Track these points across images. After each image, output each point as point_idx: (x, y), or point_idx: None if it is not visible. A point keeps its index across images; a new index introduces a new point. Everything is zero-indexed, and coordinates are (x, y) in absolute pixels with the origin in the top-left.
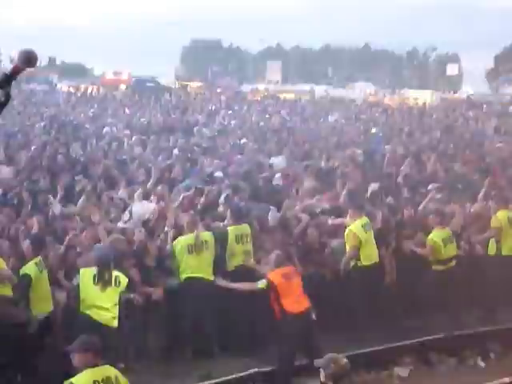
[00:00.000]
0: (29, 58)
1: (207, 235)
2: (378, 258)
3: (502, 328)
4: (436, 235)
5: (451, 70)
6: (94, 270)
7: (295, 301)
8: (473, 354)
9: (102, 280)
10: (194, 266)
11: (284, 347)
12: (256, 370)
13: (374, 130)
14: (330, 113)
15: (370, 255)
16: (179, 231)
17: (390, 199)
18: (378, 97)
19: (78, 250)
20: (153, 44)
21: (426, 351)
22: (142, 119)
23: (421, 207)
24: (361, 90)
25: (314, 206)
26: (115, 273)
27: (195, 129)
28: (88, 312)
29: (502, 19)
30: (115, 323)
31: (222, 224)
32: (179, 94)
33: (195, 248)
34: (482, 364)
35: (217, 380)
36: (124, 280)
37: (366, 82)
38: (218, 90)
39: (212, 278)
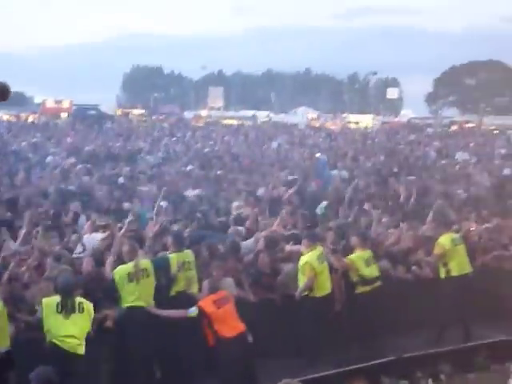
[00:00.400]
0: (1, 91)
1: (146, 263)
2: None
3: (453, 348)
4: (356, 256)
5: (391, 93)
6: (56, 298)
7: (229, 326)
8: (424, 376)
9: (66, 308)
10: (135, 295)
11: (223, 373)
12: None
13: (318, 155)
14: (274, 138)
15: (324, 286)
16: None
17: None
18: (320, 121)
19: (26, 281)
20: (92, 71)
21: (377, 374)
22: (87, 147)
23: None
24: (303, 115)
25: (275, 232)
26: (78, 299)
27: (139, 156)
28: (54, 341)
29: (439, 43)
30: (81, 350)
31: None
32: (121, 121)
33: (135, 276)
34: None
35: None
36: (88, 305)
37: (307, 107)
38: (161, 117)
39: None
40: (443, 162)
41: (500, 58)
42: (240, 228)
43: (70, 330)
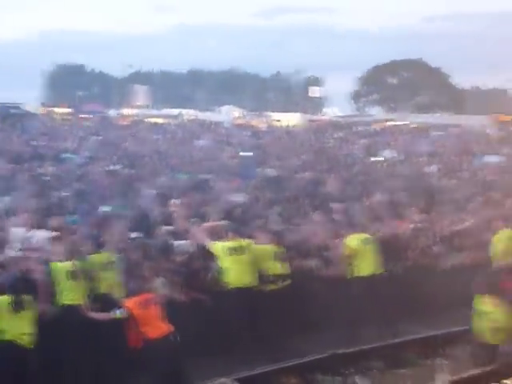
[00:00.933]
0: None
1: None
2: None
3: (384, 345)
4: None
5: (313, 92)
6: (7, 297)
7: (155, 327)
8: (357, 372)
9: (16, 305)
10: (72, 293)
11: (150, 374)
12: None
13: (243, 153)
14: (200, 136)
15: (241, 279)
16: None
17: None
18: (245, 120)
19: None
20: (13, 69)
21: (312, 371)
22: (9, 147)
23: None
24: (228, 114)
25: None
26: (26, 297)
27: (64, 156)
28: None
29: (361, 43)
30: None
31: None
32: (45, 120)
33: (74, 274)
34: (367, 382)
35: None
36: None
37: (232, 106)
38: (85, 116)
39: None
40: (372, 159)
41: (421, 58)
42: (169, 227)
43: (21, 327)
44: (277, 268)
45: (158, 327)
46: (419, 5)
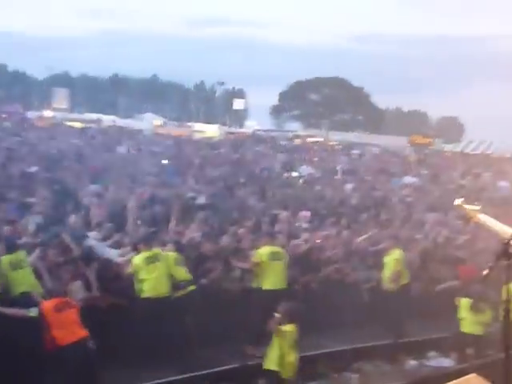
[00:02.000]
0: None
1: None
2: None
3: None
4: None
5: (237, 104)
6: None
7: (68, 331)
8: None
9: None
10: None
11: (59, 379)
12: None
13: (165, 162)
14: (122, 143)
15: (155, 288)
16: None
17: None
18: (166, 128)
19: None
20: None
21: (221, 380)
22: None
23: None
24: (148, 121)
25: None
26: None
27: None
28: None
29: (286, 58)
30: None
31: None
32: None
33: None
34: None
35: None
36: None
37: (153, 114)
38: (3, 116)
39: None
40: (286, 174)
41: (344, 76)
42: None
43: None
44: (183, 274)
45: (72, 332)
46: (346, 24)
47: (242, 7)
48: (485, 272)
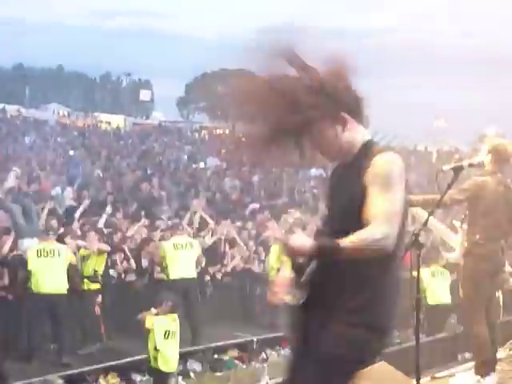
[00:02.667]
0: None
1: None
2: None
3: (202, 348)
4: None
5: (144, 95)
6: None
7: None
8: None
9: None
10: None
11: None
12: None
13: (71, 153)
14: (26, 133)
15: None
16: None
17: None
18: (71, 119)
19: None
20: None
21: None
22: None
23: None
24: (54, 112)
25: None
26: None
27: None
28: None
29: (193, 50)
30: None
31: None
32: None
33: None
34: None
35: None
36: None
37: (58, 104)
38: None
39: None
40: (194, 166)
41: (251, 68)
42: None
43: None
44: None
45: None
46: (250, 16)
47: None
48: None
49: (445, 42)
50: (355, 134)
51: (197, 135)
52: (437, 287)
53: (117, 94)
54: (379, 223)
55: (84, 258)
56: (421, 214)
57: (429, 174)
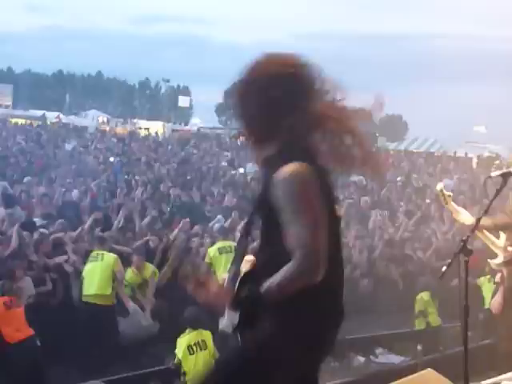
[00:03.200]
0: None
1: None
2: None
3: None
4: None
5: (183, 102)
6: None
7: (16, 329)
8: None
9: None
10: None
11: (9, 376)
12: None
13: (112, 159)
14: (67, 140)
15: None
16: None
17: None
18: (110, 125)
19: None
20: None
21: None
22: None
23: None
24: (93, 118)
25: None
26: None
27: None
28: None
29: (232, 56)
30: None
31: None
32: None
33: None
34: None
35: None
36: None
37: (98, 110)
38: None
39: None
40: (233, 172)
41: None
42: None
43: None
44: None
45: (19, 330)
46: (288, 22)
47: (190, 5)
48: (443, 268)
49: (484, 47)
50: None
51: (236, 141)
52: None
53: (156, 100)
54: (298, 259)
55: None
56: (467, 219)
57: (469, 180)
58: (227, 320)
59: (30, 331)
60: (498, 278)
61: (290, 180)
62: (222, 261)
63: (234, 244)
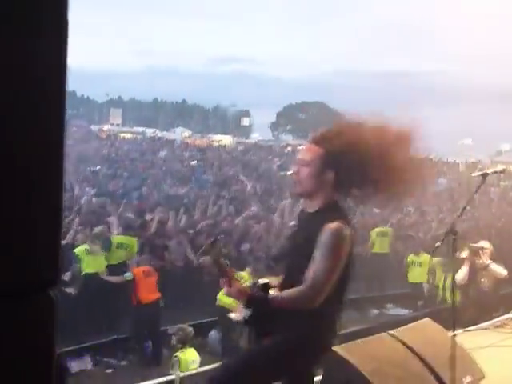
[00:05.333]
0: None
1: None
2: None
3: None
4: None
5: (245, 121)
6: None
7: (149, 293)
8: None
9: None
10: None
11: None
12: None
13: (192, 163)
14: (160, 149)
15: None
16: None
17: None
18: (192, 139)
19: None
20: None
21: None
22: None
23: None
24: (180, 133)
25: None
26: None
27: None
28: None
29: (281, 87)
30: None
31: None
32: None
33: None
34: None
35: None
36: None
37: (183, 128)
38: (74, 129)
39: None
40: (282, 173)
41: (324, 101)
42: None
43: None
44: None
45: (152, 293)
46: (320, 61)
47: (249, 48)
48: (436, 244)
49: (468, 78)
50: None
51: (284, 150)
52: None
53: (225, 120)
54: (309, 287)
55: None
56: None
57: (458, 180)
58: (240, 314)
59: (158, 294)
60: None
61: (335, 234)
62: None
63: None
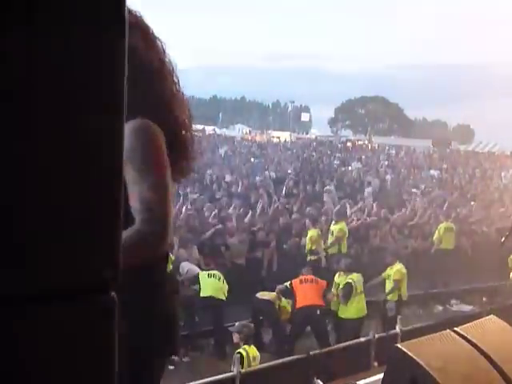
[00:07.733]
0: None
1: None
2: None
3: None
4: None
5: (304, 117)
6: None
7: (303, 297)
8: None
9: None
10: None
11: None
12: None
13: (252, 160)
14: (220, 146)
15: None
16: None
17: None
18: (252, 135)
19: None
20: None
21: None
22: None
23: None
24: (239, 130)
25: None
26: None
27: None
28: None
29: (340, 82)
30: None
31: None
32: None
33: None
34: None
35: None
36: None
37: (242, 124)
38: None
39: None
40: (343, 169)
41: (383, 95)
42: None
43: None
44: None
45: (305, 298)
46: (383, 55)
47: (308, 44)
48: (502, 239)
49: None
50: None
51: (344, 146)
52: None
53: (284, 116)
54: (146, 220)
55: None
56: None
57: None
58: None
59: (315, 301)
60: None
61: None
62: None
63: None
